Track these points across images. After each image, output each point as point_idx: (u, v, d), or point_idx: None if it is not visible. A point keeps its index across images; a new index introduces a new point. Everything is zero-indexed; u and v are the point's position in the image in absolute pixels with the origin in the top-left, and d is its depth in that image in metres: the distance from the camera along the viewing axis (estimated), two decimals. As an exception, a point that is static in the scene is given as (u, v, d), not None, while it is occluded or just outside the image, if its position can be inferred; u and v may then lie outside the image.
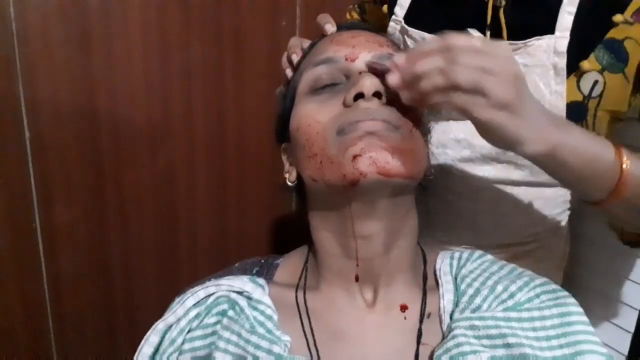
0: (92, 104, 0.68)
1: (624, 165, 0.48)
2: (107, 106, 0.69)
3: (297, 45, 0.58)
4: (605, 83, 0.57)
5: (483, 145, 0.62)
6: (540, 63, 0.59)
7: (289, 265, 0.57)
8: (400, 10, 0.69)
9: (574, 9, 0.57)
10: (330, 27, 0.56)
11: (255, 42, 0.77)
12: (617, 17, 0.56)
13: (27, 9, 0.62)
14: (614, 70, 0.57)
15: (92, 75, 0.68)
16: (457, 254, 0.53)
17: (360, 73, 0.47)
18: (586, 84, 0.58)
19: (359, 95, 0.46)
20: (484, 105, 0.40)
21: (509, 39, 0.60)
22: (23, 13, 0.62)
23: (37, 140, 0.66)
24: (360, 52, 0.50)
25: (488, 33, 0.62)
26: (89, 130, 0.69)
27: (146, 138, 0.72)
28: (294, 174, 0.53)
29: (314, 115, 0.47)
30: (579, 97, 0.59)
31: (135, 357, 0.47)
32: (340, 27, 0.56)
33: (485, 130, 0.43)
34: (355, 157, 0.44)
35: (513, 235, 0.67)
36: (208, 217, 0.79)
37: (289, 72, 0.58)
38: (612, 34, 0.56)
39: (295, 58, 0.57)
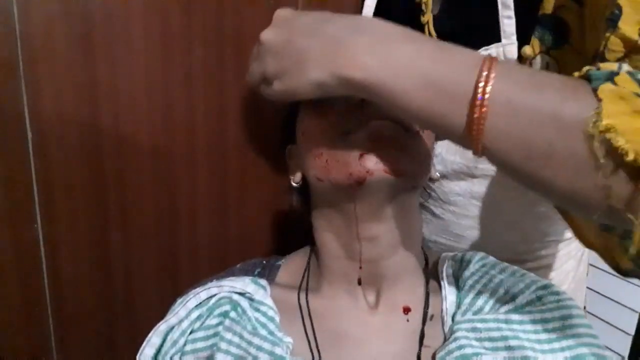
0: (94, 105, 0.68)
1: (481, 89, 0.33)
2: (109, 108, 0.69)
3: None
4: (557, 62, 0.54)
5: (453, 161, 0.62)
6: None
7: (291, 267, 0.57)
8: None
9: (511, 13, 0.54)
10: None
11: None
12: None
13: (30, 10, 0.62)
14: (559, 45, 0.52)
15: (94, 77, 0.68)
16: (459, 256, 0.53)
17: None
18: (539, 67, 0.55)
19: None
20: (267, 84, 0.43)
21: None
22: (27, 14, 0.62)
23: (39, 141, 0.66)
24: None
25: None
26: (91, 131, 0.69)
27: (148, 140, 0.72)
28: (298, 175, 0.53)
29: (321, 114, 0.48)
30: None
31: (137, 358, 0.47)
32: None
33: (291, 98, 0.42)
34: (362, 155, 0.44)
35: (505, 251, 0.64)
36: (209, 218, 0.79)
37: None
38: (542, 9, 0.52)
39: None
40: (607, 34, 0.39)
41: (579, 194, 0.33)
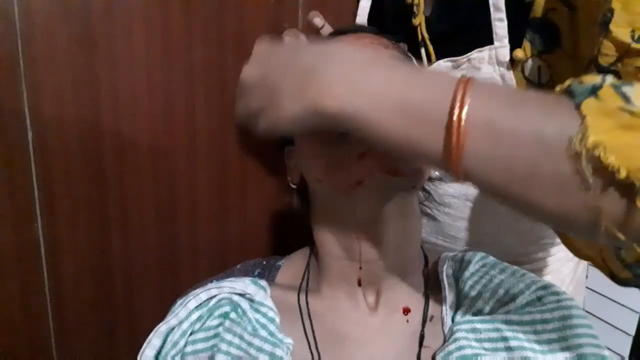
0: (94, 104, 0.68)
1: (456, 114, 0.31)
2: (109, 108, 0.69)
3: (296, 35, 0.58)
4: (549, 67, 0.54)
5: None
6: (488, 76, 0.56)
7: (291, 267, 0.57)
8: None
9: (503, 15, 0.54)
10: (319, 21, 0.56)
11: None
12: None
13: (31, 9, 0.62)
14: (551, 49, 0.52)
15: (95, 76, 0.68)
16: (459, 256, 0.53)
17: None
18: (531, 71, 0.55)
19: None
20: (253, 123, 0.42)
21: (449, 54, 0.59)
22: (27, 13, 0.62)
23: (40, 140, 0.66)
24: None
25: (422, 50, 0.62)
26: (92, 130, 0.69)
27: (148, 139, 0.72)
28: (297, 176, 0.53)
29: None
30: (532, 86, 0.56)
31: (138, 359, 0.47)
32: (346, 30, 0.56)
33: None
34: (361, 155, 0.44)
35: (501, 253, 0.63)
36: (209, 218, 0.79)
37: None
38: (532, 13, 0.52)
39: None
40: (600, 38, 0.38)
41: (567, 214, 0.31)
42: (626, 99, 0.29)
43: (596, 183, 0.29)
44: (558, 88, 0.33)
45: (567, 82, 0.32)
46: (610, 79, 0.31)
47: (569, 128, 0.29)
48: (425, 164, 0.37)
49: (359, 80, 0.35)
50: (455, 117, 0.31)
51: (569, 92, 0.31)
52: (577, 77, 0.50)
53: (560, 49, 0.51)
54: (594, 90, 0.30)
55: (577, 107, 0.30)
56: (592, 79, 0.32)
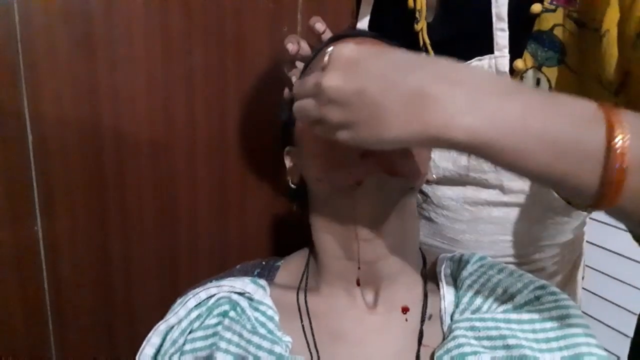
0: (94, 108, 0.69)
1: (618, 148, 0.30)
2: (109, 110, 0.69)
3: (295, 41, 0.59)
4: (548, 80, 0.53)
5: (445, 167, 0.62)
6: None
7: (290, 267, 0.57)
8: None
9: (505, 25, 0.54)
10: (320, 26, 0.56)
11: (257, 48, 0.78)
12: (536, 7, 0.51)
13: (31, 13, 0.62)
14: (552, 64, 0.53)
15: (95, 80, 0.68)
16: (457, 256, 0.53)
17: None
18: (529, 82, 0.55)
19: None
20: (328, 129, 0.39)
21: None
22: (27, 15, 0.62)
23: (40, 143, 0.67)
24: None
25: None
26: (92, 133, 0.69)
27: (148, 142, 0.72)
28: (297, 176, 0.53)
29: None
30: None
31: (137, 358, 0.48)
32: (346, 35, 0.56)
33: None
34: (361, 154, 0.44)
35: (498, 255, 0.65)
36: (209, 219, 0.79)
37: (294, 79, 0.58)
38: (537, 26, 0.52)
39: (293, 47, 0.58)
40: None
41: None
42: None
43: None
44: None
45: None
46: None
47: None
48: (565, 192, 0.36)
49: (493, 111, 0.32)
50: (617, 152, 0.30)
51: None
52: (580, 93, 0.50)
53: (564, 64, 0.52)
54: None
55: None
56: None
